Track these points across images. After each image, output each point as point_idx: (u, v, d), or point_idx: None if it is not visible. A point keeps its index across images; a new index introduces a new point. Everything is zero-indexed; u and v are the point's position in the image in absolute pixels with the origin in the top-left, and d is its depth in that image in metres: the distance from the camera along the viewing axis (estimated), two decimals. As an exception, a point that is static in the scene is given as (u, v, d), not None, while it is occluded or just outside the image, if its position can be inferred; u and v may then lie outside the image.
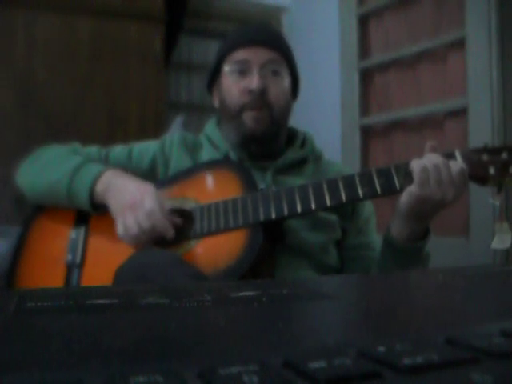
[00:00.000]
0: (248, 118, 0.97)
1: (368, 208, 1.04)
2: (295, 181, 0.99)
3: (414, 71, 1.99)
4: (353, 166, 2.09)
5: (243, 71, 0.98)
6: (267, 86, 0.97)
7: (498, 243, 0.84)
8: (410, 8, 2.01)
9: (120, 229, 0.89)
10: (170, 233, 0.89)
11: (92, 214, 0.97)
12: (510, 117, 1.63)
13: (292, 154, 1.02)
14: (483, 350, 0.21)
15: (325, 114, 2.25)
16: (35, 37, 1.90)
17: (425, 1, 1.95)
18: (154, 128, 1.96)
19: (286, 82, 1.02)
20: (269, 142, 1.01)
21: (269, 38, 1.02)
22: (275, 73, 0.99)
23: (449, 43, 1.84)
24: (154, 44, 2.05)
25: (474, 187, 0.91)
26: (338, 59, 2.24)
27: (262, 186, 0.95)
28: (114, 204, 0.91)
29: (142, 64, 2.03)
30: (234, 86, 0.99)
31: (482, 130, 1.66)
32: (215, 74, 1.05)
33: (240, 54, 0.99)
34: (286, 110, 1.03)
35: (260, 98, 0.97)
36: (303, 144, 1.06)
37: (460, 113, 1.78)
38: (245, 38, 1.00)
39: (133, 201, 0.88)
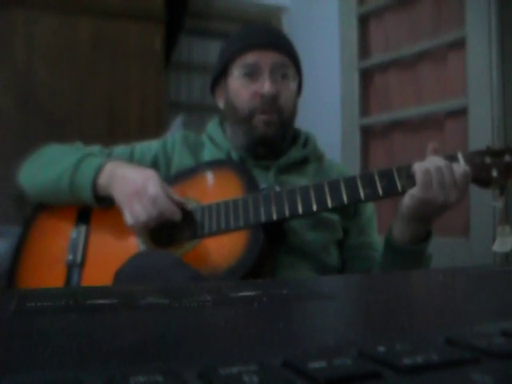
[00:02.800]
0: (259, 121, 0.97)
1: (370, 208, 1.04)
2: (297, 180, 0.99)
3: (414, 71, 1.99)
4: (353, 166, 2.09)
5: (253, 74, 0.98)
6: (278, 90, 0.97)
7: (499, 246, 0.84)
8: (410, 8, 2.01)
9: (128, 218, 0.89)
10: (177, 216, 0.90)
11: (96, 207, 0.97)
12: (510, 117, 1.63)
13: (294, 154, 1.02)
14: (483, 350, 0.21)
15: (325, 114, 2.25)
16: (35, 37, 1.90)
17: (425, 1, 1.95)
18: (154, 128, 1.96)
19: (294, 84, 1.02)
20: (277, 145, 1.01)
21: (278, 40, 1.01)
22: (284, 76, 0.99)
23: (449, 43, 1.84)
24: (153, 44, 2.04)
25: (474, 188, 0.91)
26: (338, 59, 2.24)
27: (264, 185, 0.96)
28: (118, 194, 0.91)
29: (142, 64, 2.03)
30: (243, 89, 0.98)
31: (481, 130, 1.66)
32: (220, 75, 1.04)
33: (250, 57, 0.98)
34: (294, 113, 1.03)
35: (271, 103, 0.96)
36: (305, 144, 1.06)
37: (460, 113, 1.78)
38: (254, 40, 1.00)
39: (136, 188, 0.89)
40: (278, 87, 0.97)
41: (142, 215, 0.88)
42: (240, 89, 0.99)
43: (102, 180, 0.93)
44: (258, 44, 0.99)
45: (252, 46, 0.99)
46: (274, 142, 0.99)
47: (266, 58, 0.98)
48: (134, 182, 0.90)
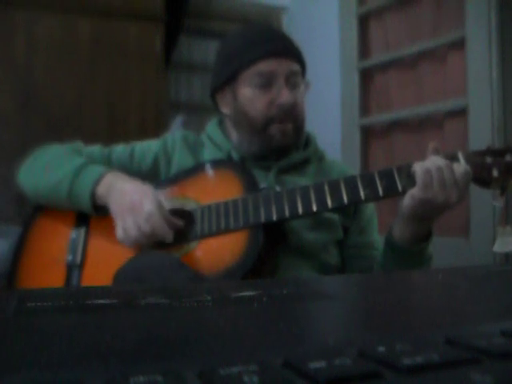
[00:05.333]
0: (275, 131, 0.96)
1: (370, 207, 1.04)
2: (298, 180, 0.99)
3: (414, 71, 1.99)
4: (353, 166, 2.09)
5: (268, 83, 0.95)
6: (295, 100, 0.96)
7: (500, 247, 0.84)
8: (409, 8, 2.01)
9: (119, 232, 0.89)
10: (169, 237, 0.88)
11: (93, 215, 0.97)
12: (510, 117, 1.63)
13: (296, 155, 1.02)
14: (483, 350, 0.21)
15: (325, 114, 2.25)
16: (35, 37, 1.90)
17: (425, 1, 1.95)
18: (154, 128, 1.96)
19: (303, 91, 1.01)
20: (290, 153, 1.01)
21: (291, 48, 0.99)
22: (295, 84, 0.98)
23: (449, 43, 1.84)
24: (153, 44, 2.04)
25: (474, 187, 0.91)
26: (338, 59, 2.24)
27: (264, 185, 0.95)
28: (115, 207, 0.91)
29: (142, 64, 2.03)
30: (259, 98, 0.96)
31: (482, 130, 1.66)
32: (226, 81, 1.01)
33: (265, 65, 0.95)
34: (304, 120, 1.02)
35: (289, 112, 0.96)
36: (306, 144, 1.06)
37: (460, 113, 1.78)
38: (268, 47, 0.96)
39: (132, 203, 0.88)
40: (295, 96, 0.96)
41: (132, 230, 0.87)
42: (254, 98, 0.96)
43: (101, 190, 0.93)
44: (273, 51, 0.96)
45: (267, 54, 0.96)
46: (289, 150, 0.99)
47: (281, 67, 0.95)
48: (130, 197, 0.89)
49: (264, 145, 0.98)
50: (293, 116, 0.97)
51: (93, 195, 0.93)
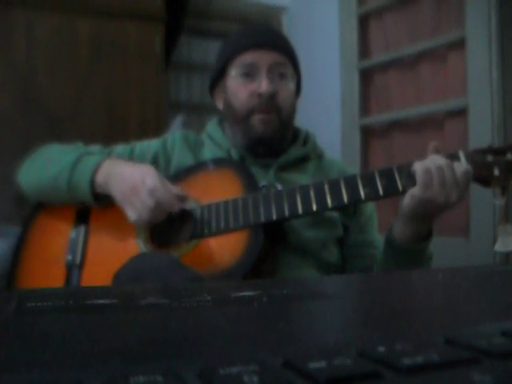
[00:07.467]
0: (257, 121, 0.97)
1: (370, 206, 1.04)
2: (297, 178, 0.99)
3: (414, 71, 1.99)
4: (353, 166, 2.09)
5: (250, 74, 0.98)
6: (276, 89, 0.97)
7: (501, 246, 0.84)
8: (409, 8, 2.01)
9: (132, 215, 0.89)
10: (175, 206, 0.89)
11: (94, 206, 0.97)
12: (510, 117, 1.63)
13: (295, 152, 1.02)
14: (483, 350, 0.21)
15: (325, 114, 2.25)
16: (35, 37, 1.90)
17: (425, 1, 1.95)
18: (154, 128, 1.96)
19: (292, 84, 1.02)
20: (276, 144, 1.01)
21: (275, 40, 1.01)
22: (282, 75, 0.99)
23: (449, 43, 1.84)
24: (153, 44, 2.04)
25: (474, 187, 0.91)
26: (338, 59, 2.24)
27: (264, 183, 0.96)
28: (118, 192, 0.91)
29: (142, 64, 2.03)
30: (241, 89, 0.98)
31: (482, 130, 1.66)
32: (219, 76, 1.04)
33: (247, 57, 0.98)
34: (293, 112, 1.03)
35: (269, 102, 0.96)
36: (305, 142, 1.06)
37: (460, 113, 1.78)
38: (252, 40, 0.99)
39: (134, 184, 0.88)
40: (276, 86, 0.97)
41: (143, 211, 0.87)
42: (238, 88, 0.99)
43: (100, 178, 0.93)
44: (255, 44, 0.99)
45: (249, 46, 0.98)
46: (272, 141, 0.99)
47: (263, 58, 0.97)
48: (131, 178, 0.89)
49: (247, 135, 0.99)
50: (275, 106, 0.97)
51: (92, 183, 0.93)
